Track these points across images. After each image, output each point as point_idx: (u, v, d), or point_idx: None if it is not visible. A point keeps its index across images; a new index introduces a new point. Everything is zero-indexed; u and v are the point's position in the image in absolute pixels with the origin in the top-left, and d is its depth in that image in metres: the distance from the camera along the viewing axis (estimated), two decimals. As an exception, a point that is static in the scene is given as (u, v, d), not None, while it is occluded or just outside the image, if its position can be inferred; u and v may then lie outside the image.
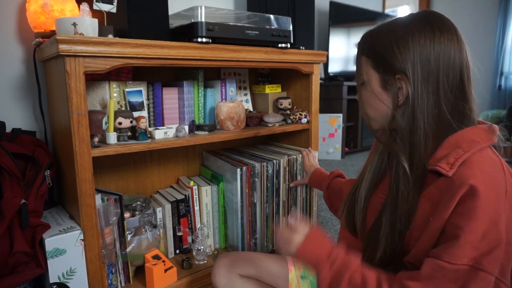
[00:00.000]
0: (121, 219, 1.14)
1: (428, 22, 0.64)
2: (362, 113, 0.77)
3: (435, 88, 0.63)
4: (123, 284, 1.17)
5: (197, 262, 1.31)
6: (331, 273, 0.67)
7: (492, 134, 0.64)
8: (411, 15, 0.68)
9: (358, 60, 0.74)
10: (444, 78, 0.63)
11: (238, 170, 1.29)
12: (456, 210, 0.58)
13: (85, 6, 1.10)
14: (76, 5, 1.19)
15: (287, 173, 1.43)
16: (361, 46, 0.73)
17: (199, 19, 1.16)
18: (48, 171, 1.11)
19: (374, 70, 0.69)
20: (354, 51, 3.40)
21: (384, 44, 0.66)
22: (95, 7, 1.14)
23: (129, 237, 1.19)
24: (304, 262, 0.73)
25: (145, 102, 1.27)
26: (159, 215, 1.32)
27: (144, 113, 1.25)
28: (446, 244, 0.58)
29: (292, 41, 1.42)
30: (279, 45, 1.39)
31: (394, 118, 0.68)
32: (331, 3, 3.01)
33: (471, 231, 0.56)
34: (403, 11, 4.71)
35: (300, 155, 1.45)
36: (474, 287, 0.55)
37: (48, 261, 0.98)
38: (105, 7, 1.15)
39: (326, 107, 3.24)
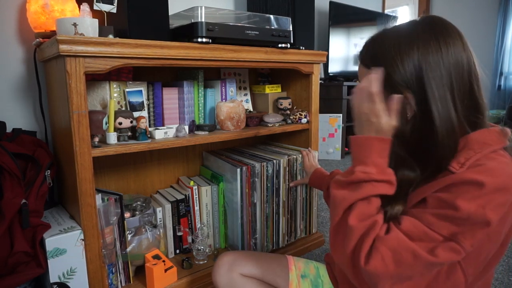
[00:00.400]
0: (121, 219, 1.14)
1: (433, 33, 0.62)
2: None
3: (447, 101, 0.62)
4: (123, 284, 1.17)
5: (197, 262, 1.31)
6: (372, 178, 0.62)
7: (504, 136, 0.63)
8: (414, 24, 0.66)
9: (361, 73, 0.71)
10: (455, 90, 0.62)
11: (238, 170, 1.29)
12: (449, 189, 0.58)
13: (85, 7, 1.10)
14: (77, 5, 1.19)
15: (287, 173, 1.43)
16: (364, 59, 0.70)
17: (199, 19, 1.17)
18: (49, 171, 1.11)
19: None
20: (354, 51, 3.40)
21: (388, 60, 0.64)
22: (95, 7, 1.14)
23: (129, 237, 1.19)
24: (358, 144, 0.65)
25: (145, 102, 1.27)
26: (159, 215, 1.32)
27: (144, 113, 1.25)
28: (430, 211, 0.58)
29: (292, 41, 1.42)
30: (279, 45, 1.39)
31: (401, 132, 0.66)
32: (331, 3, 3.01)
33: (458, 208, 0.55)
34: (403, 11, 4.71)
35: (300, 155, 1.45)
36: (441, 252, 0.55)
37: (48, 261, 0.98)
38: (105, 7, 1.15)
39: (326, 107, 3.24)
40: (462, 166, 0.59)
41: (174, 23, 1.26)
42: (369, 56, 0.69)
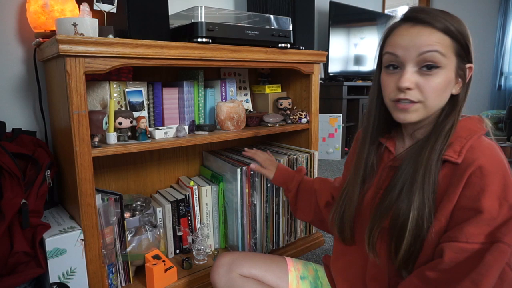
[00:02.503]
0: (121, 219, 1.14)
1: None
2: (409, 101, 0.67)
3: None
4: (123, 284, 1.17)
5: (197, 262, 1.31)
6: None
7: (483, 123, 0.69)
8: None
9: (437, 40, 0.64)
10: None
11: (238, 170, 1.29)
12: (465, 193, 0.61)
13: (85, 6, 1.10)
14: (76, 5, 1.19)
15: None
16: (444, 26, 0.65)
17: (199, 19, 1.16)
18: (48, 171, 1.11)
19: (454, 56, 0.66)
20: (354, 51, 3.40)
21: (466, 32, 0.68)
22: (95, 7, 1.14)
23: (129, 237, 1.19)
24: None
25: (145, 102, 1.27)
26: (159, 215, 1.32)
27: (144, 113, 1.25)
28: (462, 225, 0.60)
29: (292, 41, 1.42)
30: (279, 45, 1.39)
31: (446, 106, 0.69)
32: (331, 3, 3.01)
33: (485, 211, 0.58)
34: (403, 11, 4.70)
35: (300, 155, 1.45)
36: (489, 257, 0.56)
37: (48, 261, 0.98)
38: (105, 7, 1.15)
39: (326, 107, 3.24)
40: (460, 154, 0.63)
41: (174, 23, 1.26)
42: (452, 26, 0.65)
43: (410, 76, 0.65)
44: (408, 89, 0.65)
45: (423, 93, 0.66)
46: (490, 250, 0.57)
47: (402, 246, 0.64)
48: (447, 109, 0.69)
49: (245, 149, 1.26)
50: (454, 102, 0.69)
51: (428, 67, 0.64)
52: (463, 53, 0.67)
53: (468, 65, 0.68)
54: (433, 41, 0.64)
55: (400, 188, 0.67)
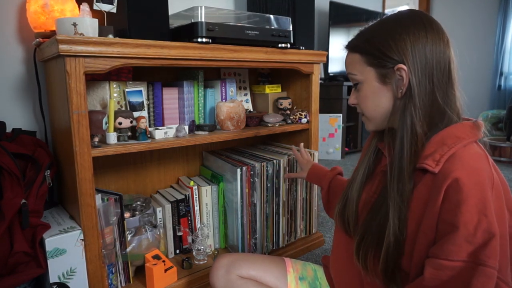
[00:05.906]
0: (121, 219, 1.14)
1: (418, 17, 0.67)
2: (361, 114, 0.77)
3: (430, 78, 0.65)
4: (123, 284, 1.17)
5: (197, 262, 1.31)
6: None
7: (477, 130, 0.65)
8: (400, 12, 0.71)
9: (350, 61, 0.74)
10: (438, 69, 0.66)
11: (238, 170, 1.29)
12: (444, 206, 0.58)
13: (85, 6, 1.10)
14: (76, 5, 1.19)
15: (287, 173, 1.42)
16: (353, 45, 0.73)
17: (199, 19, 1.16)
18: (48, 171, 1.11)
19: (370, 67, 0.70)
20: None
21: (379, 39, 0.68)
22: (95, 7, 1.14)
23: (129, 237, 1.19)
24: None
25: (145, 102, 1.27)
26: (159, 215, 1.32)
27: (144, 113, 1.25)
28: (441, 242, 0.58)
29: (292, 41, 1.42)
30: (279, 45, 1.39)
31: (394, 112, 0.68)
32: (331, 3, 3.01)
33: (461, 226, 0.55)
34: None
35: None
36: (476, 283, 0.54)
37: (48, 261, 0.98)
38: (105, 7, 1.15)
39: (326, 107, 3.24)
40: (438, 163, 0.61)
41: (174, 23, 1.26)
42: (361, 43, 0.72)
43: (351, 95, 0.77)
44: (353, 105, 0.77)
45: (360, 106, 0.75)
46: (476, 275, 0.54)
47: (381, 256, 0.65)
48: (391, 115, 0.69)
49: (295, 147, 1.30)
50: (399, 105, 0.67)
51: (355, 85, 0.74)
52: (377, 61, 0.68)
53: (397, 67, 0.66)
54: (348, 64, 0.75)
55: (387, 201, 0.68)
